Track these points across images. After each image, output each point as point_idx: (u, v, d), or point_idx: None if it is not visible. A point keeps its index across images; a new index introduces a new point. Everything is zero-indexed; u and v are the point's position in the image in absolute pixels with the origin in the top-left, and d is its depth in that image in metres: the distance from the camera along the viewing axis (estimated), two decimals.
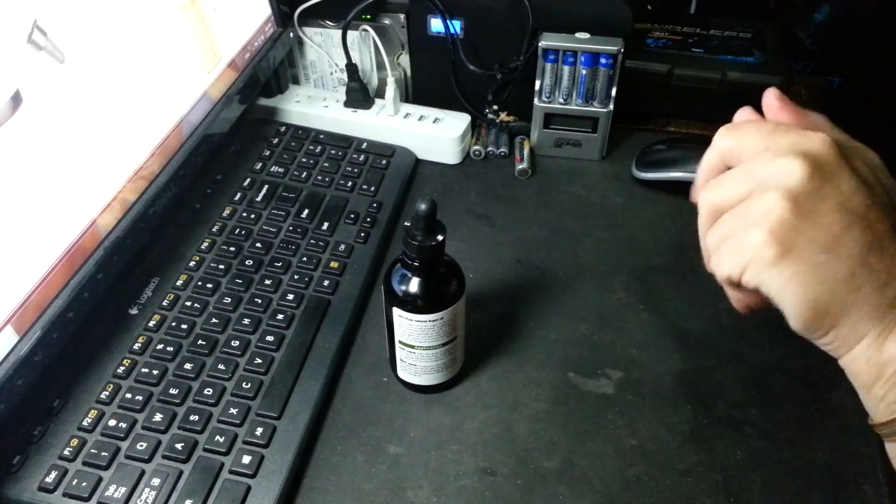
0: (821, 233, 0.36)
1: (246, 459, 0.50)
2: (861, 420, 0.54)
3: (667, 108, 0.82)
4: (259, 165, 0.73)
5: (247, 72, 0.72)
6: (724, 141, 0.41)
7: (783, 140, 0.38)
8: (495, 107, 0.79)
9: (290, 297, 0.60)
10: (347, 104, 0.79)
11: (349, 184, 0.72)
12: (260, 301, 0.60)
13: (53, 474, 0.48)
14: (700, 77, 0.77)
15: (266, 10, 0.76)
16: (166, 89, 0.61)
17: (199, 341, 0.56)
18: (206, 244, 0.64)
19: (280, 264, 0.63)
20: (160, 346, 0.56)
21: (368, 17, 0.77)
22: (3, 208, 0.45)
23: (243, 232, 0.66)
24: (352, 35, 0.78)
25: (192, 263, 0.62)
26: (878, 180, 0.38)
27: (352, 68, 0.78)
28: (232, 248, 0.64)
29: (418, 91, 0.83)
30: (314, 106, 0.80)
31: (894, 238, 0.37)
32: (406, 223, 0.48)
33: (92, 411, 0.51)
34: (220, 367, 0.55)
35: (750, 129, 0.40)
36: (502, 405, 0.55)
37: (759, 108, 0.45)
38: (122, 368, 0.54)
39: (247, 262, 0.63)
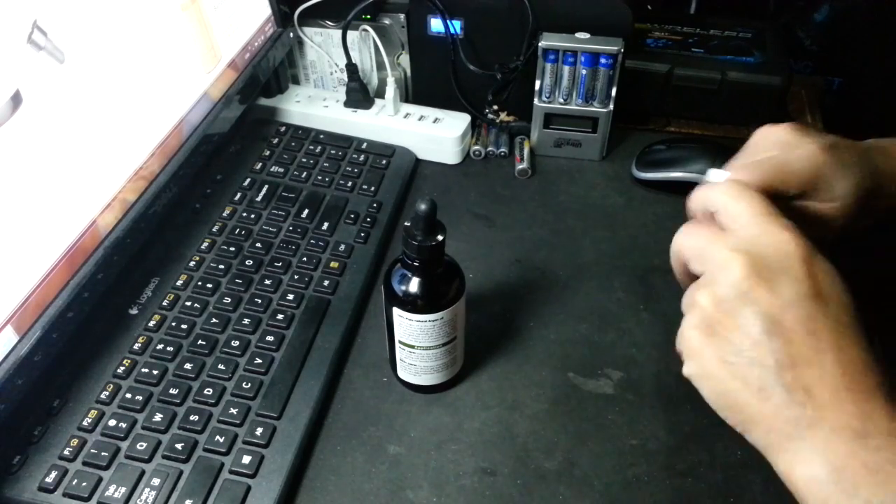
0: (738, 335, 0.36)
1: (246, 459, 0.50)
2: None
3: (667, 108, 0.82)
4: (259, 165, 0.73)
5: (247, 72, 0.72)
6: (719, 197, 0.41)
7: (748, 231, 0.38)
8: (495, 107, 0.78)
9: (290, 297, 0.60)
10: (347, 104, 0.79)
11: (349, 184, 0.72)
12: (260, 301, 0.60)
13: (53, 474, 0.48)
14: (700, 77, 0.77)
15: (266, 10, 0.76)
16: (166, 89, 0.61)
17: (199, 341, 0.56)
18: (206, 244, 0.64)
19: (280, 264, 0.63)
20: (160, 346, 0.56)
21: (368, 17, 0.77)
22: (4, 208, 0.45)
23: (243, 232, 0.66)
24: (352, 35, 0.78)
25: (192, 263, 0.62)
26: (842, 297, 0.36)
27: (352, 68, 0.78)
28: (232, 248, 0.64)
29: (418, 91, 0.83)
30: (314, 106, 0.80)
31: (838, 361, 0.34)
32: (406, 223, 0.48)
33: (92, 411, 0.51)
34: (220, 367, 0.55)
35: (739, 207, 0.39)
36: (502, 405, 0.55)
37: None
38: (122, 368, 0.54)
39: (247, 262, 0.63)
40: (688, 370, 0.39)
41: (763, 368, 0.35)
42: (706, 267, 0.38)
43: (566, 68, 0.73)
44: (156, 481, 0.48)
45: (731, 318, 0.36)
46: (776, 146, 0.49)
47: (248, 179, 0.71)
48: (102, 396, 0.52)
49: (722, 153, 0.71)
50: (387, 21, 0.78)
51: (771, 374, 0.35)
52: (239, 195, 0.70)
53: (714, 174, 0.53)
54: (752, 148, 0.51)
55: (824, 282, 0.36)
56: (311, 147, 0.76)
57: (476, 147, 0.77)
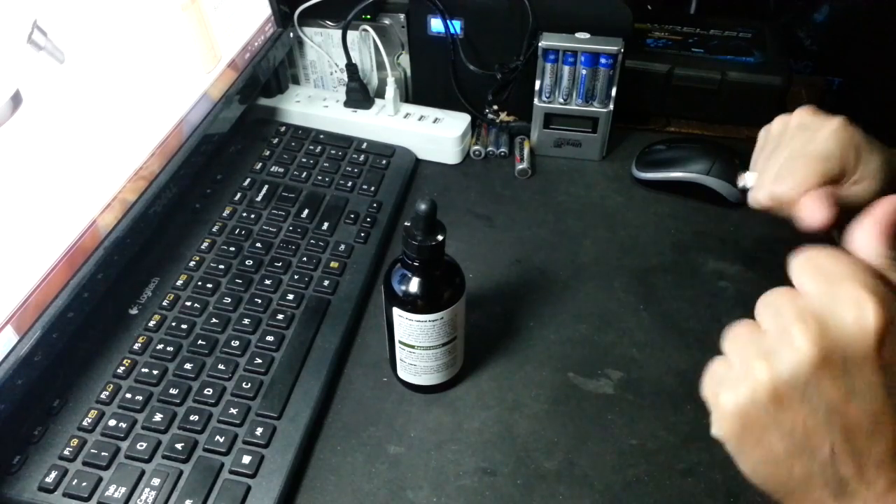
0: (790, 419, 0.31)
1: (246, 459, 0.50)
2: None
3: (667, 108, 0.82)
4: (259, 165, 0.73)
5: (247, 72, 0.72)
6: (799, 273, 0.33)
7: (823, 291, 0.31)
8: (495, 107, 0.79)
9: (290, 297, 0.60)
10: (347, 104, 0.79)
11: (349, 184, 0.72)
12: (260, 301, 0.60)
13: (53, 474, 0.48)
14: (700, 77, 0.77)
15: (266, 10, 0.76)
16: (166, 89, 0.61)
17: (199, 341, 0.56)
18: (206, 244, 0.64)
19: (280, 264, 0.63)
20: (160, 346, 0.56)
21: (368, 17, 0.77)
22: (4, 208, 0.45)
23: (243, 232, 0.66)
24: (352, 35, 0.78)
25: (192, 263, 0.62)
26: None
27: (352, 68, 0.78)
28: (232, 248, 0.64)
29: (418, 91, 0.83)
30: (314, 106, 0.80)
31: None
32: (406, 223, 0.48)
33: (92, 411, 0.51)
34: (220, 367, 0.55)
35: (819, 268, 0.32)
36: (502, 405, 0.55)
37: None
38: (122, 368, 0.54)
39: (247, 262, 0.63)
40: (720, 433, 0.35)
41: (813, 457, 0.32)
42: (772, 326, 0.33)
43: (566, 68, 0.73)
44: (156, 481, 0.48)
45: (788, 400, 0.31)
46: (799, 131, 0.48)
47: (248, 179, 0.71)
48: (102, 396, 0.52)
49: (722, 153, 0.72)
50: (387, 21, 0.78)
51: (822, 463, 0.32)
52: (239, 195, 0.70)
53: (748, 178, 0.52)
54: (773, 139, 0.50)
55: None
56: (311, 147, 0.76)
57: (476, 147, 0.77)
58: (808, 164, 0.47)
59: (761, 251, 0.67)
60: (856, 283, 0.30)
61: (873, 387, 0.30)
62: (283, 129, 0.78)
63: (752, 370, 0.32)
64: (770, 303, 0.34)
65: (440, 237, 0.48)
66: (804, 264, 0.33)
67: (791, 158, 0.48)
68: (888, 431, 0.31)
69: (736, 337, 0.35)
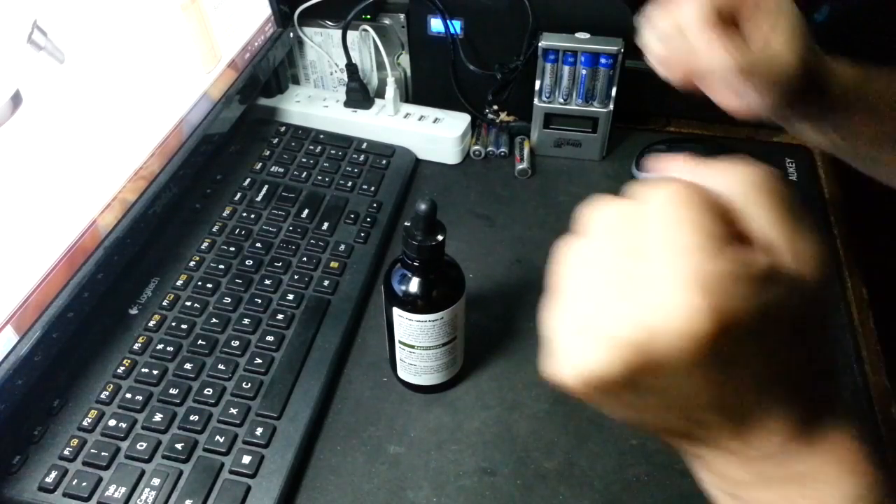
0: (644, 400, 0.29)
1: (246, 459, 0.50)
2: (861, 419, 0.54)
3: (667, 108, 0.82)
4: (259, 165, 0.73)
5: (247, 72, 0.72)
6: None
7: (655, 286, 0.26)
8: (495, 107, 0.78)
9: (290, 297, 0.60)
10: (347, 104, 0.79)
11: (349, 184, 0.72)
12: (260, 301, 0.60)
13: (53, 474, 0.48)
14: None
15: (266, 10, 0.76)
16: (166, 89, 0.61)
17: (199, 341, 0.56)
18: (206, 244, 0.64)
19: (280, 264, 0.63)
20: (160, 346, 0.56)
21: (368, 17, 0.77)
22: (4, 208, 0.45)
23: (243, 232, 0.66)
24: (352, 35, 0.78)
25: (192, 263, 0.62)
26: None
27: (352, 68, 0.78)
28: (232, 248, 0.64)
29: (418, 91, 0.83)
30: (314, 106, 0.80)
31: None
32: (406, 223, 0.48)
33: (92, 411, 0.51)
34: (220, 367, 0.55)
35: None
36: (502, 405, 0.55)
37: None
38: (122, 368, 0.54)
39: (247, 262, 0.63)
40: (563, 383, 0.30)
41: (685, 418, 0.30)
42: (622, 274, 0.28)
43: (566, 68, 0.73)
44: (156, 481, 0.48)
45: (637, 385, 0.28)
46: None
47: (248, 179, 0.71)
48: (102, 396, 0.52)
49: (722, 153, 0.72)
50: (387, 21, 0.78)
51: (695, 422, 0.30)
52: (239, 195, 0.70)
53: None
54: None
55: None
56: (311, 147, 0.76)
57: (476, 147, 0.77)
58: None
59: None
60: (690, 282, 0.25)
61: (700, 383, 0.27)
62: (283, 129, 0.78)
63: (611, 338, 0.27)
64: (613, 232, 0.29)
65: (440, 237, 0.48)
66: (653, 216, 0.27)
67: None
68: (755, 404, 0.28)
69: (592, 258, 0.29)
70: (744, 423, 0.29)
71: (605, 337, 0.27)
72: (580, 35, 0.71)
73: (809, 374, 0.29)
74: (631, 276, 0.27)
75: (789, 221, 0.28)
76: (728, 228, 0.27)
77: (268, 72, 0.77)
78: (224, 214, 0.67)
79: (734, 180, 0.28)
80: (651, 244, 0.27)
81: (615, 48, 0.70)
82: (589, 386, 0.28)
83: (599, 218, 0.30)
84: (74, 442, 0.50)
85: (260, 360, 0.55)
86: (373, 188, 0.72)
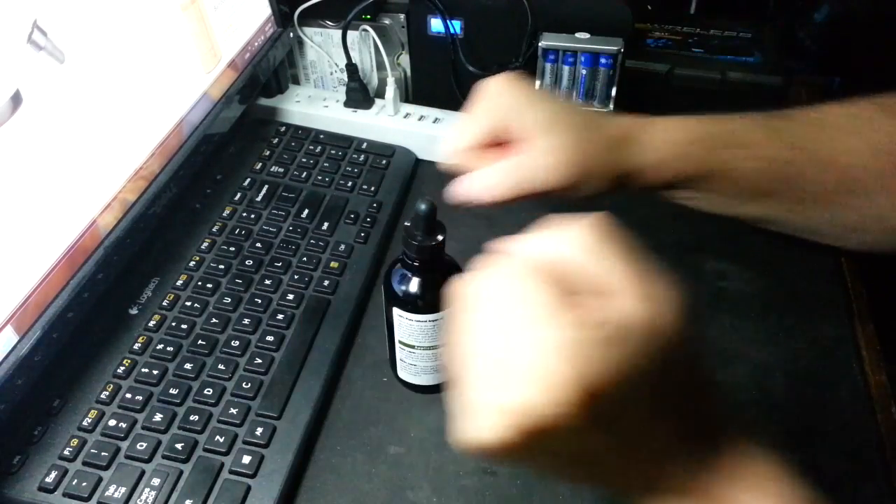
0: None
1: (246, 459, 0.50)
2: (861, 419, 0.54)
3: (667, 108, 0.81)
4: (259, 165, 0.73)
5: (247, 72, 0.72)
6: None
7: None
8: None
9: (290, 297, 0.60)
10: (347, 104, 0.79)
11: (349, 184, 0.72)
12: (260, 301, 0.60)
13: (53, 474, 0.48)
14: (700, 77, 0.77)
15: (266, 10, 0.76)
16: (166, 89, 0.61)
17: (199, 341, 0.56)
18: (206, 244, 0.64)
19: (280, 264, 0.63)
20: (160, 346, 0.56)
21: (368, 17, 0.77)
22: (4, 208, 0.45)
23: (243, 232, 0.66)
24: (352, 35, 0.78)
25: (192, 263, 0.62)
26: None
27: (352, 68, 0.78)
28: (232, 248, 0.64)
29: (418, 91, 0.83)
30: (314, 106, 0.80)
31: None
32: (406, 223, 0.48)
33: (92, 411, 0.51)
34: (220, 367, 0.55)
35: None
36: None
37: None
38: (122, 368, 0.54)
39: (247, 262, 0.63)
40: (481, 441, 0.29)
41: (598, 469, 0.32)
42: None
43: (566, 68, 0.73)
44: (156, 481, 0.48)
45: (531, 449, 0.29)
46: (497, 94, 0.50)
47: (248, 179, 0.71)
48: (102, 396, 0.52)
49: None
50: (387, 21, 0.78)
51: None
52: (239, 195, 0.70)
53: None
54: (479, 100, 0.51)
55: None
56: (311, 147, 0.76)
57: None
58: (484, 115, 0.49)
59: (761, 251, 0.67)
60: (549, 353, 0.27)
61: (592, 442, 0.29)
62: (283, 129, 0.78)
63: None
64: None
65: (440, 237, 0.48)
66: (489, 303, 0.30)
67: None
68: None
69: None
70: (654, 466, 0.31)
71: (495, 409, 0.28)
72: (580, 35, 0.72)
73: (692, 411, 0.31)
74: (507, 349, 0.29)
75: (633, 266, 0.30)
76: (568, 289, 0.29)
77: (268, 72, 0.77)
78: (224, 214, 0.67)
79: (571, 238, 0.31)
80: (509, 320, 0.29)
81: (615, 48, 0.70)
82: (491, 453, 0.29)
83: (466, 296, 0.32)
84: (74, 442, 0.50)
85: (260, 360, 0.55)
86: (373, 188, 0.72)
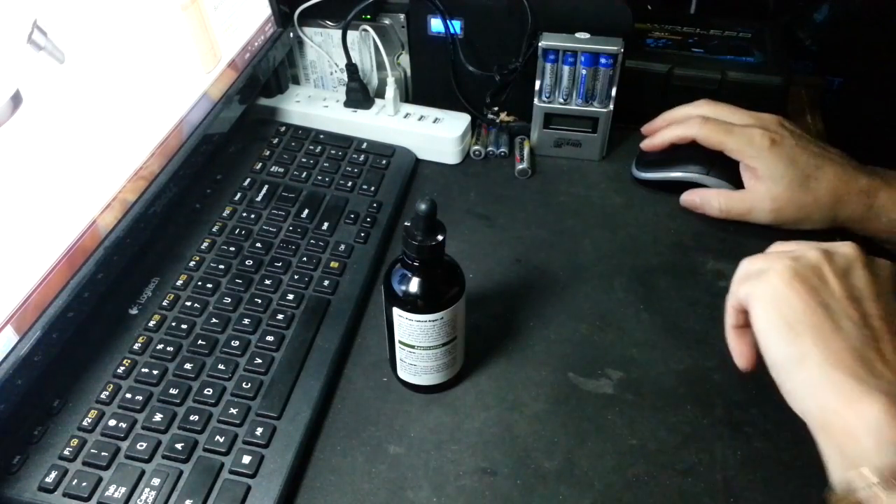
0: (835, 287, 0.45)
1: (246, 459, 0.50)
2: None
3: (667, 108, 0.81)
4: (259, 165, 0.73)
5: (247, 72, 0.72)
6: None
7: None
8: (495, 107, 0.78)
9: (290, 297, 0.60)
10: (347, 104, 0.79)
11: (349, 184, 0.72)
12: (260, 301, 0.60)
13: (53, 474, 0.48)
14: (700, 77, 0.77)
15: (266, 10, 0.76)
16: (166, 89, 0.61)
17: (199, 341, 0.56)
18: (206, 244, 0.64)
19: (280, 264, 0.63)
20: (160, 346, 0.56)
21: (368, 17, 0.77)
22: (4, 208, 0.45)
23: (243, 232, 0.66)
24: (352, 35, 0.78)
25: (192, 263, 0.62)
26: None
27: (352, 68, 0.78)
28: (232, 248, 0.64)
29: (418, 91, 0.83)
30: (314, 106, 0.80)
31: None
32: (406, 223, 0.48)
33: (92, 411, 0.51)
34: (220, 367, 0.55)
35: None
36: (502, 405, 0.55)
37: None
38: (122, 368, 0.54)
39: (247, 262, 0.63)
40: (756, 290, 0.46)
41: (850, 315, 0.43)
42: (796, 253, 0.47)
43: (566, 68, 0.73)
44: (156, 481, 0.48)
45: (834, 275, 0.45)
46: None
47: (248, 179, 0.71)
48: (102, 396, 0.52)
49: (722, 153, 0.72)
50: (387, 21, 0.78)
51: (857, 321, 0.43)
52: (239, 195, 0.70)
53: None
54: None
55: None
56: (311, 147, 0.76)
57: (476, 147, 0.77)
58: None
59: (761, 251, 0.67)
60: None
61: (882, 294, 0.45)
62: (283, 129, 0.78)
63: (803, 253, 0.47)
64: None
65: (440, 237, 0.48)
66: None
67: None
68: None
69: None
70: None
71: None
72: (580, 35, 0.71)
73: None
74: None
75: None
76: None
77: (268, 72, 0.77)
78: (224, 214, 0.68)
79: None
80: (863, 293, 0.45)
81: (615, 48, 0.70)
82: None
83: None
84: (74, 442, 0.50)
85: (260, 360, 0.55)
86: (373, 188, 0.72)
